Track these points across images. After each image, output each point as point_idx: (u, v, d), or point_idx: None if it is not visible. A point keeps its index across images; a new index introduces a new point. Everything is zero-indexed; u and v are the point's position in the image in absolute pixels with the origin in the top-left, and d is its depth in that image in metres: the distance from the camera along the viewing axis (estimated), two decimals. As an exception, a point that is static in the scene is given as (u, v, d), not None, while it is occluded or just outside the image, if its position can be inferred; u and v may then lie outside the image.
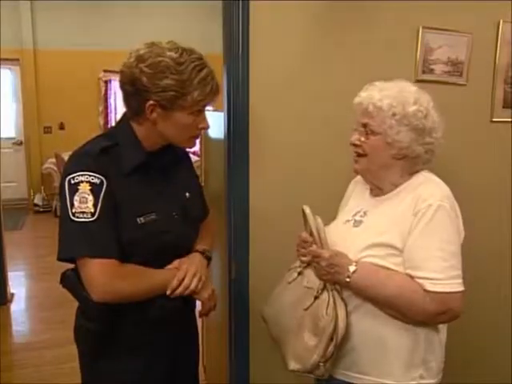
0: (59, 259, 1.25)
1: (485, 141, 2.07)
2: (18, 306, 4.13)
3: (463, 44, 1.95)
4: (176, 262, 1.37)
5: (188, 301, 1.45)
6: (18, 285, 4.46)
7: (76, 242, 1.22)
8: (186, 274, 1.34)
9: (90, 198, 1.22)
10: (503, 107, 2.08)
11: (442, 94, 1.92)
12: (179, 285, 1.32)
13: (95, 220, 1.21)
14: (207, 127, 1.36)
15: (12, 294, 4.21)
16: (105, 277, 1.22)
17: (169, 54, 1.25)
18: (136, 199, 1.31)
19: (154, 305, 1.32)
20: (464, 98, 2.00)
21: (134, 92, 1.27)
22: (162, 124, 1.30)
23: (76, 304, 1.37)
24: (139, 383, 1.40)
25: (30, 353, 3.27)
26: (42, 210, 7.38)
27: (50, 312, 3.89)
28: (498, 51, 2.02)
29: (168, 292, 1.31)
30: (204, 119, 1.34)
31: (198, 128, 1.34)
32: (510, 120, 2.09)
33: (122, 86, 1.31)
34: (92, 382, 1.43)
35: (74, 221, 1.21)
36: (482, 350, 2.21)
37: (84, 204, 1.21)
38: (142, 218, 1.29)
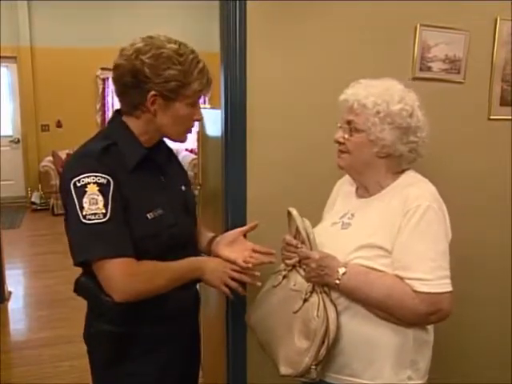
0: (76, 264, 1.24)
1: (482, 139, 2.07)
2: (16, 305, 4.13)
3: (461, 41, 1.95)
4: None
5: (196, 301, 1.51)
6: (15, 283, 4.46)
7: (92, 244, 1.20)
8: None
9: (100, 198, 1.20)
10: (501, 105, 2.07)
11: (439, 91, 1.94)
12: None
13: (108, 220, 1.19)
14: (201, 119, 1.42)
15: (10, 293, 4.21)
16: (125, 276, 1.21)
17: (169, 45, 1.28)
18: (142, 195, 1.31)
19: (170, 299, 1.33)
20: (462, 96, 2.00)
21: (134, 84, 1.27)
22: (161, 116, 1.32)
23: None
24: None
25: (28, 351, 3.27)
26: (39, 208, 7.37)
27: (47, 310, 3.89)
28: (495, 49, 2.01)
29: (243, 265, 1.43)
30: (199, 111, 1.39)
31: (193, 119, 1.38)
32: (507, 118, 2.09)
33: (120, 80, 1.29)
34: None
35: (86, 223, 1.19)
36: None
37: (94, 205, 1.19)
38: (151, 214, 1.31)
